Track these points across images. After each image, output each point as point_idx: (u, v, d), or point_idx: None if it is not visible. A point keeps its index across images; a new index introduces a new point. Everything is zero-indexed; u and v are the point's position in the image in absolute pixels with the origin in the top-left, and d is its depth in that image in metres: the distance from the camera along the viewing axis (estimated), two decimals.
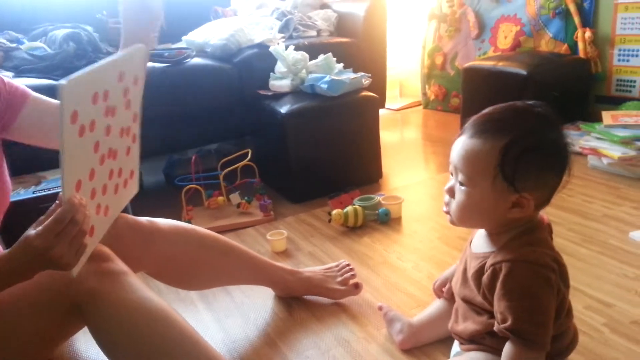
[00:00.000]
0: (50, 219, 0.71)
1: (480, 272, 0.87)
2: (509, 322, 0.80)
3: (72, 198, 0.72)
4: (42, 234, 0.71)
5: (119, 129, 0.85)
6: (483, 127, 0.84)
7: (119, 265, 0.90)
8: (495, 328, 0.84)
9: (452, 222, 0.91)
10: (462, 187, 0.86)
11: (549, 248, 0.86)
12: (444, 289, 1.12)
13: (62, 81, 0.64)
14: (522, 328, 0.80)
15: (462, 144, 0.86)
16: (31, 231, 0.73)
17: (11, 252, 0.74)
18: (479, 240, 0.94)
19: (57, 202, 0.73)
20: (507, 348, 0.83)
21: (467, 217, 0.88)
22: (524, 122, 0.83)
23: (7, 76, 1.84)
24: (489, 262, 0.85)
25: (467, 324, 0.94)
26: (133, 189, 0.99)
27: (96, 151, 0.77)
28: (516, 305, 0.80)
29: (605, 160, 2.04)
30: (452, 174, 0.89)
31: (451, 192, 0.89)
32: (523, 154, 0.80)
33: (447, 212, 0.91)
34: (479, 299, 0.89)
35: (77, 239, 0.73)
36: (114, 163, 0.85)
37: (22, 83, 1.80)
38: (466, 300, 0.94)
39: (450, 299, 1.09)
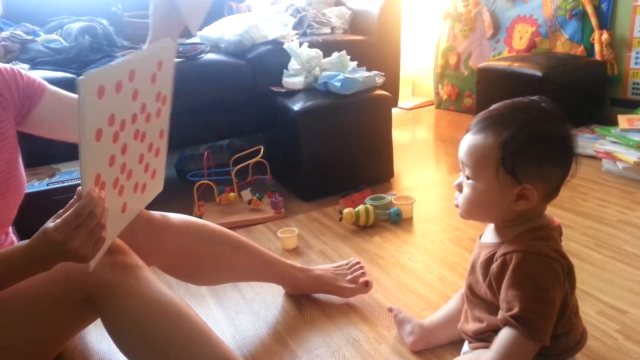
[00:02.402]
0: (70, 211, 0.72)
1: (489, 261, 0.89)
2: (515, 310, 0.82)
3: (91, 191, 0.72)
4: (61, 227, 0.72)
5: (143, 122, 0.85)
6: (485, 122, 0.88)
7: (134, 258, 0.91)
8: (499, 316, 0.85)
9: (461, 215, 0.94)
10: (469, 181, 0.90)
11: (558, 245, 0.88)
12: None
13: (88, 72, 0.65)
14: (528, 317, 0.81)
15: (467, 140, 0.90)
16: (50, 224, 0.73)
17: (30, 244, 0.75)
18: (489, 233, 0.96)
19: (75, 197, 0.74)
20: (506, 335, 0.83)
21: (473, 209, 0.92)
22: (524, 115, 0.86)
23: (24, 68, 1.85)
24: (500, 252, 0.87)
25: (475, 323, 0.95)
26: (158, 185, 1.00)
27: (115, 142, 0.77)
28: (525, 294, 0.82)
29: (620, 165, 2.01)
30: (461, 170, 0.93)
31: (460, 187, 0.93)
32: (522, 146, 0.83)
33: (457, 206, 0.95)
34: (483, 290, 0.91)
35: (95, 232, 0.73)
36: (138, 148, 0.86)
37: (38, 76, 1.83)
38: (471, 290, 0.96)
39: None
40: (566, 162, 0.85)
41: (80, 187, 0.73)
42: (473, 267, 0.96)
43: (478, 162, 0.87)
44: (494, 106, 0.91)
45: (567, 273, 0.86)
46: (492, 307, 0.91)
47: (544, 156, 0.84)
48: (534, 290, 0.82)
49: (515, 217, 0.89)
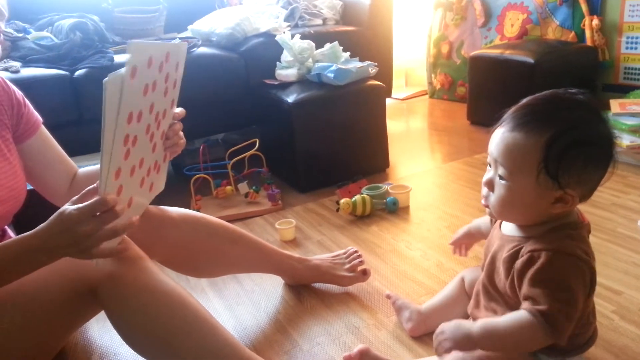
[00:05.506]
0: (94, 200, 0.71)
1: (514, 256, 0.85)
2: (543, 307, 0.78)
3: (114, 196, 0.72)
4: (81, 209, 0.71)
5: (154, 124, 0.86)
6: (524, 119, 0.81)
7: (136, 250, 0.92)
8: (524, 307, 0.80)
9: (491, 215, 0.89)
10: (503, 182, 0.84)
11: (588, 247, 0.85)
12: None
13: (110, 76, 0.64)
14: (556, 317, 0.78)
15: (502, 136, 0.83)
16: (70, 205, 0.73)
17: (40, 227, 0.74)
18: (511, 224, 0.91)
19: (95, 185, 0.73)
20: (524, 319, 0.78)
21: (507, 211, 0.87)
22: (567, 113, 0.80)
23: (15, 66, 1.85)
24: (527, 248, 0.83)
25: (488, 313, 0.93)
26: (160, 185, 1.00)
27: (128, 142, 0.77)
28: (552, 294, 0.78)
29: None
30: (489, 165, 0.87)
31: (490, 185, 0.87)
32: (568, 150, 0.77)
33: (487, 206, 0.89)
34: (502, 284, 0.88)
35: (107, 232, 0.73)
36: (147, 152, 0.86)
37: (30, 72, 1.83)
38: (491, 281, 0.92)
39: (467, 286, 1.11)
40: (608, 164, 0.81)
41: (97, 182, 0.72)
42: (493, 259, 0.91)
43: (516, 163, 0.81)
44: (531, 99, 0.83)
45: (591, 276, 0.82)
46: (510, 303, 0.88)
47: (589, 159, 0.79)
48: (563, 292, 0.78)
49: (548, 217, 0.84)
